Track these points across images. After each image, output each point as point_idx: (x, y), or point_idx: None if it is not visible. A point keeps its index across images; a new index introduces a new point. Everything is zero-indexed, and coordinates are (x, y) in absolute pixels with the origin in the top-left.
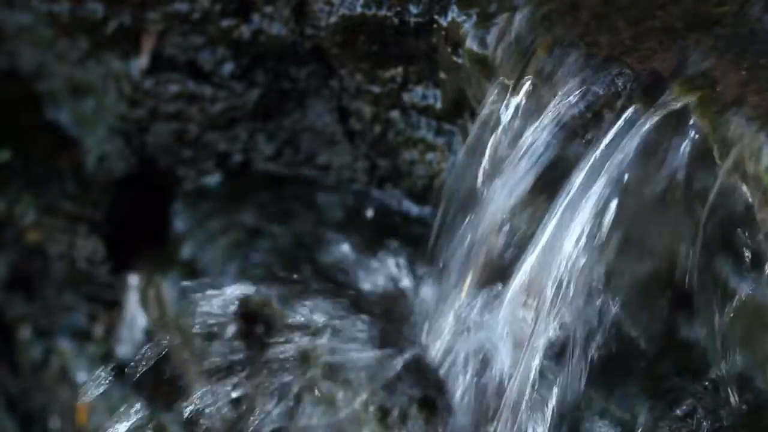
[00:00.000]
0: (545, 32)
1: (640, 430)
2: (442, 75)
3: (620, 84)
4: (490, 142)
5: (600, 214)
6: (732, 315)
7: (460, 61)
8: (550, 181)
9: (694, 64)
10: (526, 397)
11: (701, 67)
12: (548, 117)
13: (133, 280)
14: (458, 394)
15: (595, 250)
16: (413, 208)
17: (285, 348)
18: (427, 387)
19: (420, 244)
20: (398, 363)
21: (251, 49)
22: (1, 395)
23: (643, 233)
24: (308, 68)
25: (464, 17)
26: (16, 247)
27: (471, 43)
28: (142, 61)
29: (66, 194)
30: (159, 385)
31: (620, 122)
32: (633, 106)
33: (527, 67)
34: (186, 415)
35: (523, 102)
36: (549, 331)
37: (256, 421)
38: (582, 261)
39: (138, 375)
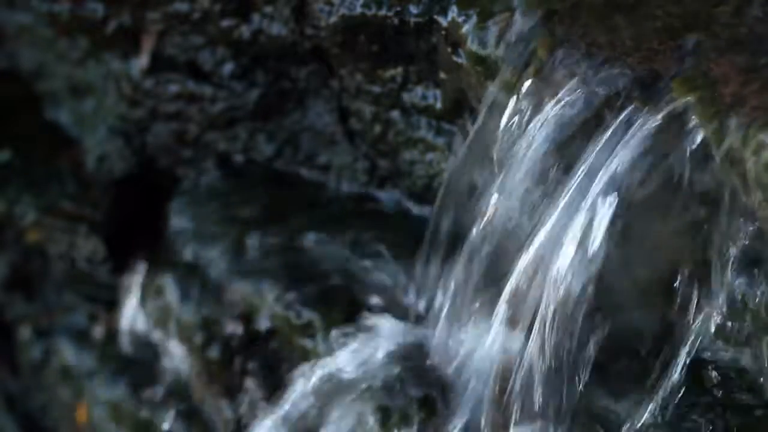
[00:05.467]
0: (545, 32)
1: (639, 430)
2: (442, 75)
3: (620, 84)
4: (490, 142)
5: (599, 213)
6: (732, 315)
7: (460, 61)
8: (550, 181)
9: (694, 64)
10: (525, 397)
11: (701, 67)
12: (548, 117)
13: (134, 279)
14: (458, 393)
15: (595, 249)
16: (413, 208)
17: (285, 347)
18: (427, 387)
19: (420, 243)
20: (398, 362)
21: (251, 49)
22: (1, 395)
23: (642, 233)
24: (308, 68)
25: (464, 17)
26: (16, 247)
27: (471, 43)
28: (142, 61)
29: (66, 194)
30: (159, 384)
31: (620, 122)
32: (633, 106)
33: (527, 67)
34: (186, 413)
35: (523, 102)
36: (547, 330)
37: (256, 420)
38: (581, 261)
39: (138, 375)
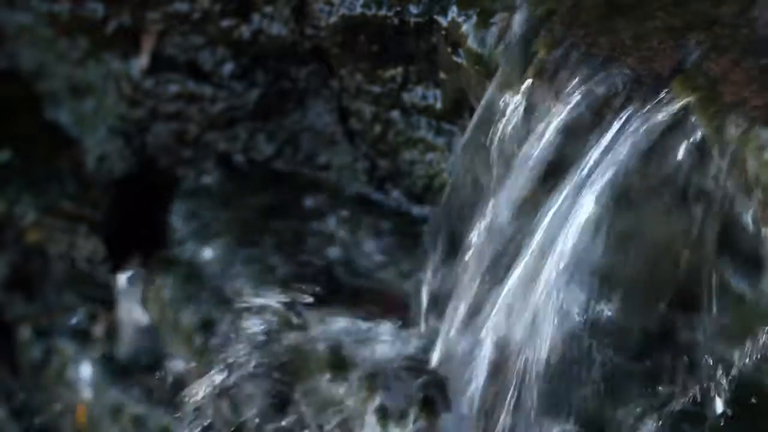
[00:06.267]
0: (545, 32)
1: (638, 430)
2: (442, 75)
3: (620, 84)
4: (491, 143)
5: (599, 212)
6: (731, 314)
7: (460, 61)
8: (550, 181)
9: (694, 64)
10: (527, 396)
11: (701, 67)
12: (548, 117)
13: (134, 279)
14: (459, 392)
15: (594, 249)
16: (413, 208)
17: (285, 346)
18: (427, 387)
19: (420, 242)
20: (398, 362)
21: (251, 49)
22: (1, 395)
23: (642, 233)
24: (308, 68)
25: (464, 17)
26: (16, 247)
27: (471, 43)
28: (142, 61)
29: (66, 194)
30: (159, 384)
31: (620, 122)
32: (633, 106)
33: (527, 67)
34: (185, 413)
35: (523, 102)
36: (546, 329)
37: (255, 420)
38: (580, 260)
39: (138, 374)
